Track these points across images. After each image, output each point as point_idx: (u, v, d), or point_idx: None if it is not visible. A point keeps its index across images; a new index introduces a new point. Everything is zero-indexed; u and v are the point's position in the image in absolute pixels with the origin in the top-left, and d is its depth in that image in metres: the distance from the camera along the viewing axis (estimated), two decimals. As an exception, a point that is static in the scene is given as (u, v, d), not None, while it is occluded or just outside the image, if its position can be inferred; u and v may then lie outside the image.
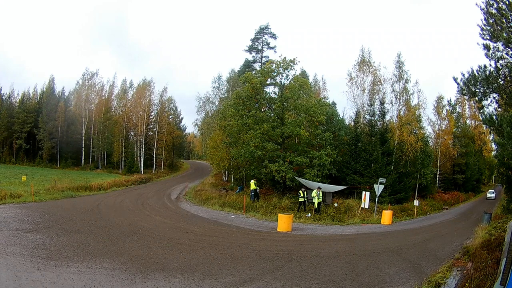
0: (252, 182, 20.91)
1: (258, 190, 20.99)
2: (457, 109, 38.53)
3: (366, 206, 19.06)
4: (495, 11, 12.93)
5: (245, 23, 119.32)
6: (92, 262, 7.63)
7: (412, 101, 27.80)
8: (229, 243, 10.70)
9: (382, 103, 27.08)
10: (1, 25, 76.33)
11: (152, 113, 42.08)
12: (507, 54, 13.05)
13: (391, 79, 27.33)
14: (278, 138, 22.21)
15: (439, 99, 33.77)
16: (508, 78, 13.05)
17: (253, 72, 27.09)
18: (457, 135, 34.37)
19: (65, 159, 42.50)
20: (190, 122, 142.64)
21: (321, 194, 18.08)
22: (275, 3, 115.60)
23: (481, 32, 13.38)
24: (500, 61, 13.17)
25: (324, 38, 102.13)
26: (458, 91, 15.34)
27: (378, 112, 26.93)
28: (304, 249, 10.44)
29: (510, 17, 12.71)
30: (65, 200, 17.98)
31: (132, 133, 42.92)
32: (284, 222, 13.52)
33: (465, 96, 25.70)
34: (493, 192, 35.88)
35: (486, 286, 6.25)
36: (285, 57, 23.17)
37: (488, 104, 14.25)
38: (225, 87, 36.37)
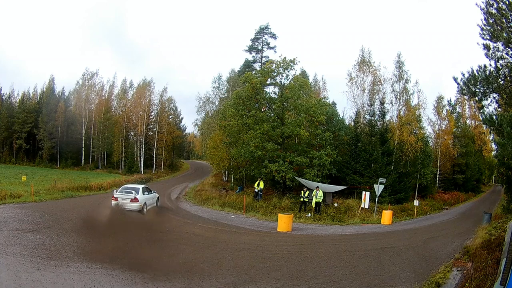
0: (256, 182, 21.09)
1: (258, 190, 20.96)
2: (457, 109, 38.45)
3: (366, 206, 19.05)
4: (495, 11, 12.92)
5: (245, 23, 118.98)
6: (92, 262, 7.63)
7: (412, 101, 27.78)
8: (229, 243, 10.70)
9: (382, 103, 27.06)
10: (0, 24, 76.15)
11: (152, 113, 42.04)
12: (507, 54, 13.05)
13: (391, 79, 27.31)
14: (278, 138, 22.21)
15: (439, 99, 33.73)
16: (508, 78, 13.04)
17: (253, 72, 27.07)
18: (457, 135, 34.32)
19: (65, 159, 42.46)
20: (190, 122, 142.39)
21: (320, 194, 18.01)
22: (275, 3, 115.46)
23: (481, 32, 13.38)
24: (500, 61, 13.16)
25: (324, 38, 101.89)
26: (458, 91, 15.38)
27: (378, 112, 26.91)
28: (304, 249, 10.45)
29: (510, 17, 12.70)
30: (65, 200, 17.97)
31: (132, 133, 42.87)
32: (284, 222, 13.53)
33: (465, 96, 25.72)
34: None
35: (486, 286, 6.26)
36: (285, 57, 23.18)
37: (488, 104, 14.25)
38: (225, 87, 36.34)
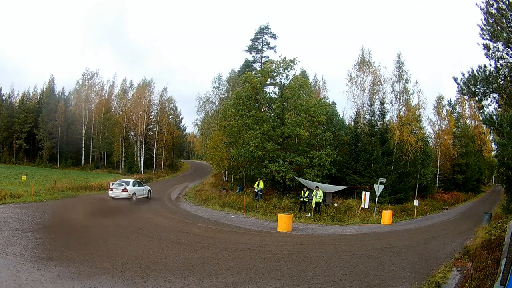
0: (256, 182, 21.14)
1: (257, 190, 20.95)
2: (457, 109, 38.44)
3: (366, 206, 19.05)
4: (495, 11, 12.94)
5: (245, 23, 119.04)
6: (92, 262, 7.63)
7: (412, 101, 27.77)
8: (229, 243, 10.70)
9: (382, 103, 27.05)
10: (0, 24, 76.07)
11: (152, 113, 42.03)
12: (507, 54, 13.07)
13: (391, 79, 27.30)
14: (278, 138, 22.20)
15: (439, 99, 33.73)
16: (508, 78, 13.06)
17: (253, 72, 27.05)
18: (457, 135, 34.30)
19: (65, 159, 42.45)
20: (190, 122, 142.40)
21: (320, 194, 17.98)
22: (275, 3, 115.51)
23: (481, 32, 13.40)
24: (500, 61, 13.19)
25: (324, 38, 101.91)
26: (458, 91, 15.42)
27: (378, 112, 26.89)
28: (304, 249, 10.44)
29: (510, 17, 12.72)
30: (65, 200, 17.96)
31: (132, 133, 42.86)
32: (284, 222, 13.53)
33: (465, 96, 25.75)
34: None
35: (486, 286, 6.26)
36: (285, 57, 23.16)
37: (488, 104, 14.29)
38: (225, 87, 36.32)
